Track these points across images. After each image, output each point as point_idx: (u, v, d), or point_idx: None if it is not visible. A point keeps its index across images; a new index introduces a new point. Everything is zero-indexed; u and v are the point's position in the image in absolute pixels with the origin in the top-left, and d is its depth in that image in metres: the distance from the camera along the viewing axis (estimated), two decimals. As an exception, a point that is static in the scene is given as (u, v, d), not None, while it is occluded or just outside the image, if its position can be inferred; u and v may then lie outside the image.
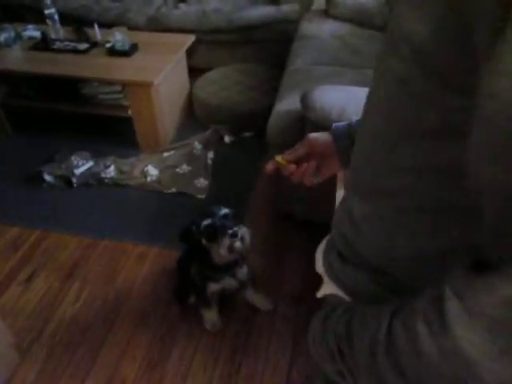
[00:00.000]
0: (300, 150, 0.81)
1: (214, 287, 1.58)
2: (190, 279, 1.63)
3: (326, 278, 0.68)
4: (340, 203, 0.65)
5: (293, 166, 0.81)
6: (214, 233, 1.39)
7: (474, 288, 0.35)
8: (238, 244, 1.37)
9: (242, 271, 1.60)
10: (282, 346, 1.63)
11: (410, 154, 0.45)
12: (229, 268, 1.54)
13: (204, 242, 1.43)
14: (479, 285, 0.35)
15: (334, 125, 0.80)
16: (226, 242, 1.37)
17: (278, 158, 0.82)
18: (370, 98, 0.52)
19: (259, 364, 1.58)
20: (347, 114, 1.56)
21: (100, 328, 1.71)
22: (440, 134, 0.42)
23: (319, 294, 0.72)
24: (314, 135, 0.81)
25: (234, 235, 1.37)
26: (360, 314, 0.49)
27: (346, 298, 0.63)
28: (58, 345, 1.66)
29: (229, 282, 1.58)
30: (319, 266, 0.70)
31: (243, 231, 1.39)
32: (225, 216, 1.43)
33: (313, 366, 1.57)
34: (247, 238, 1.40)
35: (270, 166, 0.83)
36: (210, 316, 1.67)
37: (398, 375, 0.40)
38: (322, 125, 1.64)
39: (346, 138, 0.77)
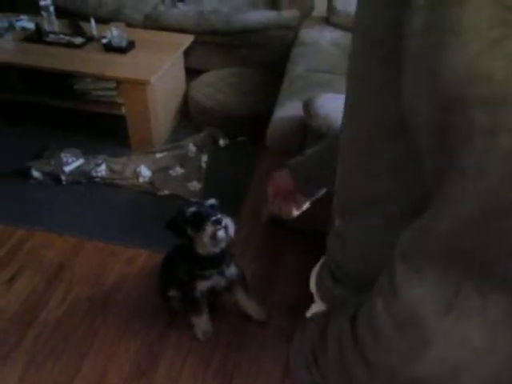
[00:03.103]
0: (269, 190, 0.90)
1: (202, 285, 1.52)
2: (176, 278, 1.59)
3: (316, 298, 0.67)
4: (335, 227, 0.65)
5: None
6: (200, 220, 1.36)
7: (412, 239, 0.36)
8: (221, 233, 1.34)
9: (230, 270, 1.55)
10: (275, 356, 1.59)
11: (382, 155, 0.45)
12: (216, 264, 1.50)
13: (189, 231, 1.40)
14: (416, 233, 0.36)
15: (290, 161, 0.86)
16: (209, 228, 1.34)
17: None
18: (344, 108, 0.52)
19: (251, 374, 1.54)
20: (352, 123, 1.53)
21: (85, 333, 1.64)
22: (401, 128, 0.40)
23: (309, 314, 0.70)
24: (275, 174, 0.89)
25: (218, 222, 1.34)
26: (332, 317, 0.49)
27: None
28: (41, 351, 1.58)
29: (217, 280, 1.53)
30: (312, 286, 0.69)
31: (227, 220, 1.37)
32: (211, 206, 1.42)
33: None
34: (231, 229, 1.37)
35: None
36: (201, 323, 1.61)
37: (366, 367, 0.40)
38: (325, 133, 1.61)
39: (302, 171, 0.83)
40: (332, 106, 1.62)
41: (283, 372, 1.54)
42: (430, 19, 0.29)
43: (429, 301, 0.35)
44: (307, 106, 1.68)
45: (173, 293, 1.66)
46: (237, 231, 1.92)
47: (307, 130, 1.72)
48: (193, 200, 1.49)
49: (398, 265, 0.37)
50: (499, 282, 0.33)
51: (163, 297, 1.70)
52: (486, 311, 0.34)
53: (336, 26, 2.76)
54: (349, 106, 0.50)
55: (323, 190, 0.86)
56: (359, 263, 0.55)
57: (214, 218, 1.34)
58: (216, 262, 1.50)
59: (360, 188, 0.51)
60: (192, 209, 1.39)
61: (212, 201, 1.44)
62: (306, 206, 0.91)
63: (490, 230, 0.31)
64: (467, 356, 0.35)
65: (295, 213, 0.90)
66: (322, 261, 0.67)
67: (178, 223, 1.43)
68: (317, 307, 0.66)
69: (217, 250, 1.43)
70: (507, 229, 0.30)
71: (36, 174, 2.24)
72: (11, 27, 2.59)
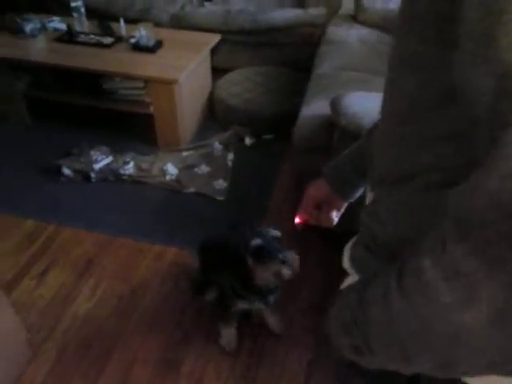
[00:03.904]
0: (305, 202, 0.92)
1: (242, 305, 1.52)
2: (217, 286, 1.61)
3: (351, 271, 0.69)
4: (368, 203, 0.68)
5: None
6: (264, 255, 1.31)
7: (461, 199, 0.37)
8: (286, 271, 1.28)
9: (274, 296, 1.52)
10: (298, 358, 1.58)
11: (427, 126, 0.47)
12: (264, 292, 1.47)
13: (250, 262, 1.35)
14: (465, 193, 0.37)
15: (324, 168, 0.89)
16: (275, 267, 1.29)
17: (296, 220, 0.95)
18: (386, 82, 0.55)
19: (274, 376, 1.54)
20: (380, 121, 1.51)
21: (113, 328, 1.67)
22: (444, 101, 0.44)
23: (343, 286, 0.71)
24: (309, 186, 0.92)
25: (285, 261, 1.28)
26: (372, 278, 0.51)
27: None
28: (70, 343, 1.62)
29: (258, 306, 1.53)
30: (346, 261, 0.71)
31: (294, 257, 1.30)
32: (275, 238, 1.36)
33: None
34: (296, 265, 1.30)
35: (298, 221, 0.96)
36: (227, 334, 1.60)
37: (412, 320, 0.42)
38: (352, 132, 1.59)
39: (337, 174, 0.86)
40: (359, 104, 1.60)
41: (307, 375, 1.54)
42: None
43: (477, 258, 0.36)
44: (334, 104, 1.66)
45: (210, 296, 1.67)
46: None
47: (334, 128, 1.71)
48: (254, 228, 1.39)
49: (448, 225, 0.39)
50: None
51: (197, 296, 1.72)
52: None
53: (363, 23, 2.72)
54: (392, 80, 0.53)
55: (360, 191, 0.88)
56: (395, 233, 0.56)
57: (281, 257, 1.28)
58: (265, 291, 1.47)
59: (402, 159, 0.53)
60: (257, 242, 1.33)
61: (276, 233, 1.38)
62: (343, 209, 0.93)
63: None
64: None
65: (335, 219, 0.92)
66: (354, 238, 0.69)
67: (238, 252, 1.38)
68: (352, 279, 0.68)
69: (277, 283, 1.40)
70: None
71: (66, 171, 2.30)
72: (43, 28, 2.66)
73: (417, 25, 0.45)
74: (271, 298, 1.51)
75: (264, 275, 1.33)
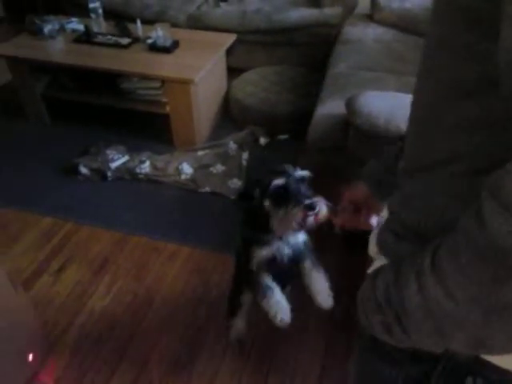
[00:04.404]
0: (344, 205, 0.91)
1: (261, 254, 1.21)
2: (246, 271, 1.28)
3: (378, 257, 0.70)
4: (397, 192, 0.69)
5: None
6: (286, 198, 1.09)
7: (500, 177, 0.38)
8: (311, 219, 1.07)
9: (297, 236, 1.22)
10: (312, 356, 1.58)
11: (459, 114, 0.48)
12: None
13: (267, 204, 1.13)
14: (504, 171, 0.38)
15: (361, 171, 0.88)
16: (299, 214, 1.07)
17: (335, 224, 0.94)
18: (419, 72, 0.56)
19: (288, 373, 1.54)
20: (395, 121, 1.50)
21: (128, 325, 1.69)
22: (481, 88, 0.45)
23: (370, 270, 0.71)
24: (347, 193, 0.90)
25: (311, 207, 1.06)
26: (405, 260, 0.52)
27: None
28: (86, 339, 1.64)
29: (280, 248, 1.21)
30: (371, 249, 0.72)
31: (321, 203, 1.08)
32: (302, 179, 1.13)
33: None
34: (323, 212, 1.07)
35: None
36: (236, 324, 1.53)
37: (446, 297, 0.43)
38: (367, 131, 1.59)
39: (372, 174, 0.86)
40: (374, 103, 1.60)
41: (320, 372, 1.54)
42: None
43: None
44: (349, 103, 1.66)
45: (247, 295, 1.43)
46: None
47: (349, 127, 1.70)
48: (277, 168, 1.15)
49: (486, 202, 0.40)
50: None
51: (235, 303, 1.49)
52: None
53: (379, 22, 2.71)
54: (425, 70, 0.53)
55: None
56: (427, 219, 0.57)
57: (307, 202, 1.06)
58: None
59: (433, 146, 0.54)
60: (279, 181, 1.10)
61: (304, 172, 1.14)
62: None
63: None
64: None
65: (375, 221, 0.89)
66: (380, 226, 0.71)
67: (252, 192, 1.16)
68: (380, 263, 0.69)
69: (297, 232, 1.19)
70: None
71: (84, 170, 2.33)
72: (62, 29, 2.70)
73: (457, 12, 0.45)
74: (293, 236, 1.22)
75: (284, 222, 1.11)
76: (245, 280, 1.35)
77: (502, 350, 0.48)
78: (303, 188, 1.10)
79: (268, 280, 1.22)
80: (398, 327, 0.50)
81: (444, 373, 0.59)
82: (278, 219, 1.12)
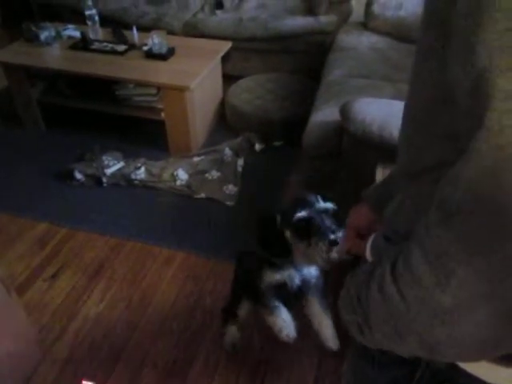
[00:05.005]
0: (349, 231, 0.88)
1: (273, 277, 1.21)
2: (249, 282, 1.30)
3: (369, 259, 0.71)
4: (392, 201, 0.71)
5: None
6: (309, 231, 1.07)
7: (445, 188, 0.40)
8: (335, 255, 1.05)
9: (310, 270, 1.21)
10: (306, 362, 1.58)
11: (438, 120, 0.50)
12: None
13: (289, 236, 1.12)
14: (447, 182, 0.40)
15: (362, 194, 0.86)
16: (323, 249, 1.04)
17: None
18: (411, 76, 0.57)
19: (283, 380, 1.54)
20: (389, 128, 1.51)
21: (123, 330, 1.68)
22: (446, 97, 0.46)
23: None
24: (351, 218, 0.88)
25: (336, 243, 1.03)
26: (378, 263, 0.53)
27: None
28: (80, 345, 1.64)
29: (291, 275, 1.20)
30: (368, 253, 0.73)
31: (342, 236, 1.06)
32: (325, 211, 1.10)
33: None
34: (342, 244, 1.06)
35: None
36: (231, 332, 1.53)
37: (403, 301, 0.45)
38: (361, 137, 1.60)
39: (375, 195, 0.84)
40: (369, 110, 1.61)
41: (315, 378, 1.54)
42: (471, 3, 0.36)
43: (457, 245, 0.39)
44: (344, 110, 1.67)
45: (245, 306, 1.44)
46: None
47: (344, 134, 1.72)
48: (302, 196, 1.12)
49: (432, 212, 0.42)
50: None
51: (231, 312, 1.51)
52: (504, 250, 0.37)
53: (374, 30, 2.74)
54: (414, 76, 0.55)
55: None
56: (414, 224, 0.58)
57: (332, 238, 1.04)
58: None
59: (421, 154, 0.55)
60: (302, 214, 1.08)
61: (328, 205, 1.11)
62: None
63: (503, 180, 0.36)
64: (483, 288, 0.39)
65: None
66: (376, 233, 0.72)
67: (274, 223, 1.14)
68: None
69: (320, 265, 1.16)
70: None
71: (79, 175, 2.33)
72: (58, 36, 2.71)
73: (433, 20, 0.47)
74: (306, 269, 1.20)
75: (307, 256, 1.09)
76: (246, 294, 1.37)
77: (456, 358, 0.49)
78: (328, 221, 1.07)
79: (275, 300, 1.24)
80: (366, 328, 0.51)
81: (423, 378, 0.60)
82: (300, 251, 1.12)
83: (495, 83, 0.35)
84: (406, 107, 0.59)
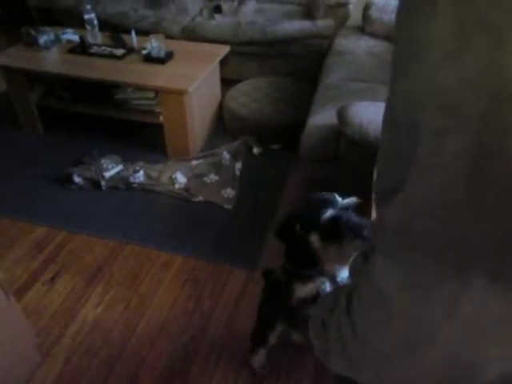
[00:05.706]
0: None
1: (304, 290, 1.12)
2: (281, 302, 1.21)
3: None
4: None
5: None
6: (338, 231, 0.99)
7: (378, 226, 0.44)
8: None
9: (344, 273, 1.11)
10: (304, 365, 1.59)
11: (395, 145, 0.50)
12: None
13: (315, 241, 1.04)
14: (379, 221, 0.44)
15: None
16: (356, 247, 0.97)
17: None
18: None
19: (280, 382, 1.54)
20: (386, 131, 1.52)
21: (121, 333, 1.69)
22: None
23: None
24: None
25: (364, 239, 0.97)
26: (340, 288, 0.57)
27: None
28: (79, 348, 1.64)
29: (323, 284, 1.11)
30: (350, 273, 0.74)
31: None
32: (347, 207, 1.03)
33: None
34: None
35: None
36: (261, 354, 1.47)
37: (354, 337, 0.46)
38: (358, 141, 1.61)
39: None
40: (366, 114, 1.62)
41: (314, 378, 1.54)
42: (402, 39, 0.38)
43: (391, 278, 0.40)
44: (341, 114, 1.69)
45: (279, 327, 1.32)
46: (269, 243, 1.91)
47: (341, 137, 1.73)
48: (320, 196, 1.06)
49: (371, 249, 0.43)
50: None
51: (261, 338, 1.41)
52: (443, 287, 0.37)
53: (371, 34, 2.76)
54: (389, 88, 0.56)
55: None
56: None
57: (366, 234, 0.97)
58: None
59: (388, 172, 0.53)
60: (329, 214, 1.01)
61: (349, 200, 1.04)
62: None
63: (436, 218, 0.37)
64: (425, 330, 0.39)
65: None
66: (356, 252, 0.72)
67: (291, 227, 1.07)
68: None
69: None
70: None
71: (77, 179, 2.34)
72: (57, 40, 2.72)
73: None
74: (339, 272, 1.11)
75: (340, 258, 1.02)
76: (278, 318, 1.28)
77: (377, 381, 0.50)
78: (355, 218, 1.00)
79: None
80: (328, 353, 0.54)
81: None
82: (331, 255, 1.04)
83: (426, 121, 0.36)
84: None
